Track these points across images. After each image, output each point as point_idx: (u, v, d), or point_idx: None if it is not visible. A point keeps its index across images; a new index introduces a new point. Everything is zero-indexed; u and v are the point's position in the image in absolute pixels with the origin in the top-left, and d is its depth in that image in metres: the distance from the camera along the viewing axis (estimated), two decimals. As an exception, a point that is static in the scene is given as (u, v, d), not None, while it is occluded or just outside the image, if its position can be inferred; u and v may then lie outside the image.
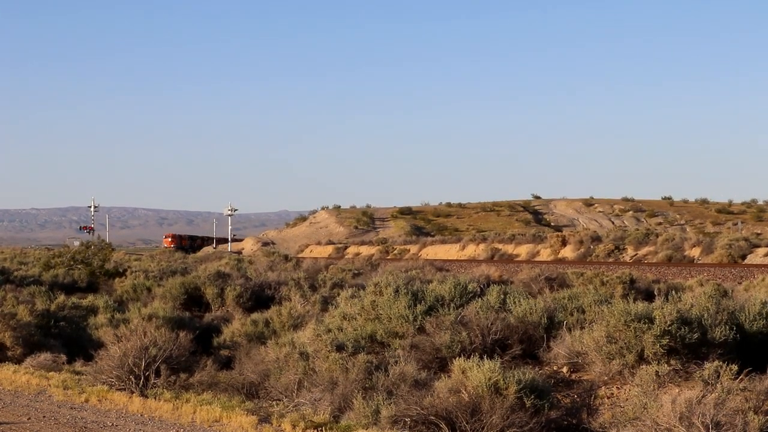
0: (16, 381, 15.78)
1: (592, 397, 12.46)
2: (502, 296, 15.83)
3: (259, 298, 26.21)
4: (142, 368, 14.42)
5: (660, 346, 12.24)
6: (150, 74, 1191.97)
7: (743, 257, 51.53)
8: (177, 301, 26.01)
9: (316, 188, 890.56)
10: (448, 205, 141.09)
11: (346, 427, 11.63)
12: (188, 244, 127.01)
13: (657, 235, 63.09)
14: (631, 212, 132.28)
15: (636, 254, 58.45)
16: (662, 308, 12.71)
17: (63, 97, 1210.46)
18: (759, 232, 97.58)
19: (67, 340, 20.33)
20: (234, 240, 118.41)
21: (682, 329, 12.35)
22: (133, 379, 14.40)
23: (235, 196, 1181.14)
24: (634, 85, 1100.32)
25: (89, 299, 25.10)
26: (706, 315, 12.95)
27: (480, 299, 15.85)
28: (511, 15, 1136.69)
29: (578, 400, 12.53)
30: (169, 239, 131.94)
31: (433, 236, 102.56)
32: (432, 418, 10.95)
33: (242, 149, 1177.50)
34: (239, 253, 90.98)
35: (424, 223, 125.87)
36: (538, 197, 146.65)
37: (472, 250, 75.37)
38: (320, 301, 23.59)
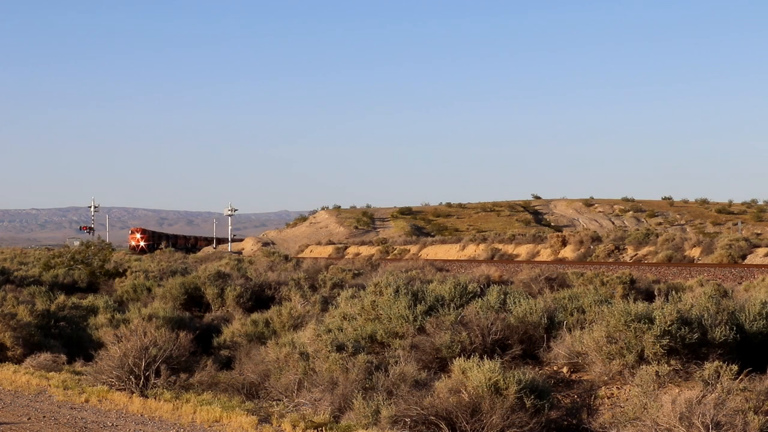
0: (16, 381, 15.78)
1: (592, 398, 12.46)
2: (502, 296, 15.82)
3: (259, 299, 26.21)
4: (142, 368, 14.42)
5: (660, 346, 12.23)
6: (150, 74, 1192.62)
7: (743, 257, 51.51)
8: (177, 301, 26.00)
9: (316, 188, 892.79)
10: (448, 205, 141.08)
11: (346, 427, 11.63)
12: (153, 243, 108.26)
13: (657, 236, 63.04)
14: (631, 212, 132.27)
15: (636, 254, 58.44)
16: (662, 308, 12.70)
17: (63, 98, 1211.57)
18: (759, 232, 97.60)
19: (67, 340, 20.34)
20: (234, 240, 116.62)
21: (682, 329, 12.35)
22: (133, 379, 14.40)
23: (235, 196, 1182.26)
24: (634, 85, 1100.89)
25: (89, 299, 25.09)
26: (706, 315, 12.95)
27: (480, 299, 15.84)
28: (512, 15, 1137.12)
29: (578, 400, 12.53)
30: (138, 235, 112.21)
31: (433, 236, 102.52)
32: (432, 418, 10.95)
33: (242, 149, 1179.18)
34: (239, 253, 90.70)
35: (424, 223, 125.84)
36: (538, 197, 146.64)
37: (472, 251, 75.34)
38: (320, 301, 23.58)
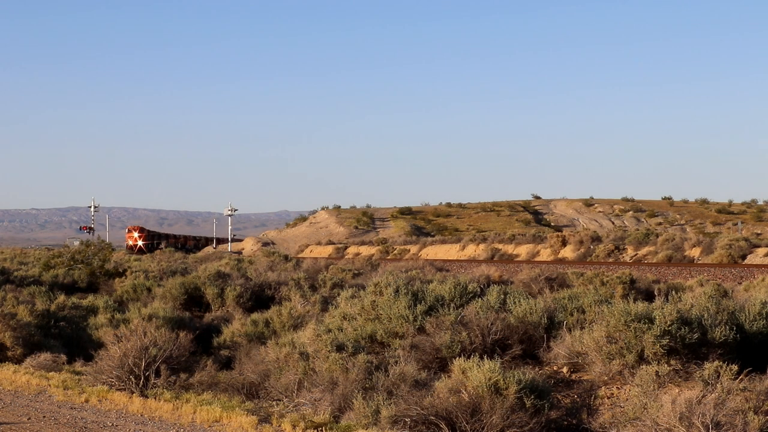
0: (16, 381, 15.78)
1: (592, 397, 12.46)
2: (502, 296, 15.82)
3: (259, 298, 26.22)
4: (142, 368, 14.42)
5: (660, 346, 12.24)
6: (150, 74, 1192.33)
7: (743, 257, 51.53)
8: (177, 301, 26.01)
9: (316, 188, 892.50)
10: (448, 205, 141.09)
11: (346, 427, 11.63)
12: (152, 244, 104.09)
13: (657, 235, 63.06)
14: (631, 212, 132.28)
15: (636, 254, 58.45)
16: (662, 308, 12.71)
17: (63, 97, 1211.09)
18: (759, 232, 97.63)
19: (67, 340, 20.34)
20: (233, 240, 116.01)
21: (682, 329, 12.35)
22: (133, 379, 14.41)
23: (235, 196, 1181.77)
24: (634, 85, 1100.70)
25: (89, 299, 25.10)
26: (706, 315, 12.95)
27: (480, 299, 15.85)
28: (511, 15, 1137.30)
29: (578, 400, 12.53)
30: (136, 234, 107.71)
31: (433, 236, 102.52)
32: (432, 418, 10.95)
33: (242, 149, 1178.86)
34: (239, 253, 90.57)
35: (424, 223, 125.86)
36: (538, 197, 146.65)
37: (472, 250, 75.36)
38: (320, 301, 23.59)
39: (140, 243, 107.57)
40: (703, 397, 10.05)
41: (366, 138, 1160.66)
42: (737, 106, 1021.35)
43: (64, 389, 14.77)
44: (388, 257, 75.27)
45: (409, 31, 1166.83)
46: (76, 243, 47.74)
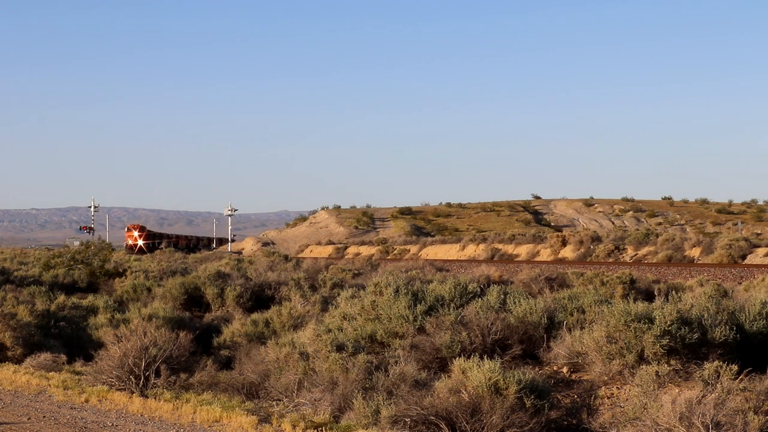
0: (16, 381, 15.78)
1: (592, 397, 12.46)
2: (502, 296, 15.82)
3: (259, 298, 26.22)
4: (142, 368, 14.42)
5: (660, 346, 12.24)
6: (150, 74, 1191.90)
7: (743, 257, 51.54)
8: (177, 301, 26.01)
9: (316, 188, 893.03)
10: (448, 205, 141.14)
11: (346, 427, 11.63)
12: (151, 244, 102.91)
13: (657, 235, 63.07)
14: (631, 212, 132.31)
15: (636, 254, 58.45)
16: (662, 308, 12.71)
17: (63, 97, 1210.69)
18: (759, 232, 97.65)
19: (67, 340, 20.34)
20: (231, 241, 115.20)
21: (682, 329, 12.35)
22: (133, 379, 14.40)
23: (235, 196, 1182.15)
24: (633, 85, 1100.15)
25: (89, 299, 25.09)
26: (706, 315, 12.95)
27: (480, 299, 15.84)
28: (511, 15, 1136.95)
29: (578, 400, 12.53)
30: (136, 233, 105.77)
31: (433, 236, 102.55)
32: (432, 418, 10.95)
33: (242, 149, 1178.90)
34: (239, 253, 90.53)
35: (424, 223, 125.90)
36: (538, 197, 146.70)
37: (472, 251, 75.36)
38: (320, 301, 23.59)
39: (141, 242, 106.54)
40: (703, 397, 10.06)
41: (366, 138, 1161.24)
42: (737, 106, 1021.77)
43: (64, 389, 14.77)
44: (388, 257, 75.29)
45: (409, 31, 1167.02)
46: (76, 243, 47.76)
